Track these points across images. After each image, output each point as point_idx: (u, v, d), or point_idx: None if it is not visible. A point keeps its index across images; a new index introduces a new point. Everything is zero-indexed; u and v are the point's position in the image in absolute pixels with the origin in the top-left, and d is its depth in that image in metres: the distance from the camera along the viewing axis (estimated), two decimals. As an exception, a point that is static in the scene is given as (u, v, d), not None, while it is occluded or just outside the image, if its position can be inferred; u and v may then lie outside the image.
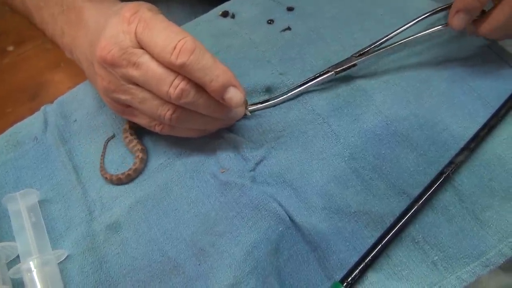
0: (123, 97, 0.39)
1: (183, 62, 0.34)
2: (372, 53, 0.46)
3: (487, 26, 0.42)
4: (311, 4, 0.55)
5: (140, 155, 0.43)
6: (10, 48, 1.39)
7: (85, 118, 0.48)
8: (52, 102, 0.50)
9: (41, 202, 0.43)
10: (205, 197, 0.42)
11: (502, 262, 0.37)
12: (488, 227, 0.38)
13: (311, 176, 0.42)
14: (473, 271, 0.37)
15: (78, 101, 0.50)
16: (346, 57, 0.47)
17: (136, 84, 0.37)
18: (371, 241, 0.38)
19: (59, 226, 0.42)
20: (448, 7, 0.45)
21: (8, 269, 0.38)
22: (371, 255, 0.37)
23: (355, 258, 0.38)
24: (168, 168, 0.44)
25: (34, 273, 0.37)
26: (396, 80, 0.47)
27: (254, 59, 0.50)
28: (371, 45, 0.46)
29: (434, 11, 0.47)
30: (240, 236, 0.39)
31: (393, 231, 0.38)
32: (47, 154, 0.46)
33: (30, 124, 0.49)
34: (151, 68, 0.36)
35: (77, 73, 0.55)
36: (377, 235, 0.39)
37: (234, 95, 0.36)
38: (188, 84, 0.36)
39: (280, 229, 0.39)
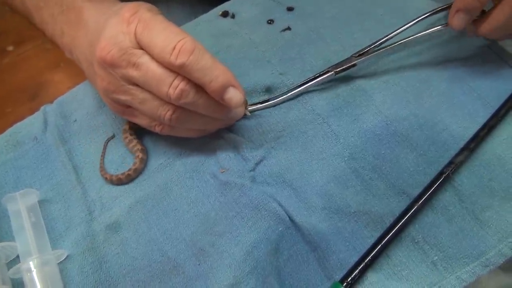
0: (123, 97, 0.39)
1: (182, 62, 0.34)
2: (372, 53, 0.46)
3: (487, 26, 0.42)
4: (311, 4, 0.54)
5: (140, 155, 0.43)
6: (10, 48, 1.39)
7: (85, 118, 0.48)
8: (52, 102, 0.50)
9: (41, 202, 0.43)
10: (205, 197, 0.42)
11: (502, 262, 0.37)
12: (488, 227, 0.38)
13: (311, 176, 0.42)
14: (473, 271, 0.37)
15: (78, 101, 0.50)
16: (346, 57, 0.47)
17: (136, 84, 0.37)
18: (371, 241, 0.38)
19: (59, 226, 0.42)
20: (448, 7, 0.45)
21: (8, 269, 0.38)
22: (371, 255, 0.37)
23: (355, 258, 0.38)
24: (168, 168, 0.44)
25: (34, 273, 0.37)
26: (396, 80, 0.47)
27: (254, 59, 0.50)
28: (371, 45, 0.46)
29: (434, 11, 0.46)
30: (240, 236, 0.39)
31: (393, 231, 0.38)
32: (47, 154, 0.46)
33: (30, 124, 0.49)
34: (150, 68, 0.36)
35: (77, 73, 0.55)
36: (377, 235, 0.39)
37: (234, 95, 0.36)
38: (188, 84, 0.36)
39: (280, 229, 0.39)
